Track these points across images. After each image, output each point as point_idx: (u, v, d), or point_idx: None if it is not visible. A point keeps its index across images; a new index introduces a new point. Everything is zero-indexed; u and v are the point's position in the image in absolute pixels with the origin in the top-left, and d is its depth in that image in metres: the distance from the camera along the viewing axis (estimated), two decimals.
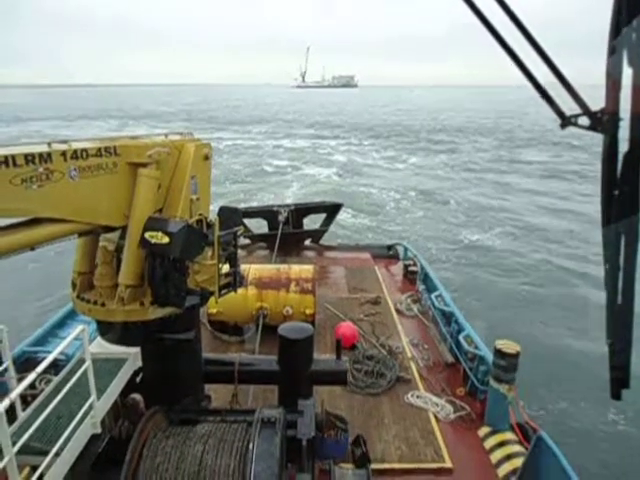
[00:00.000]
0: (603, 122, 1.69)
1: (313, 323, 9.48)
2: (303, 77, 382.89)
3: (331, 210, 15.87)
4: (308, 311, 9.38)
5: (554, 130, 62.19)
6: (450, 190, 34.58)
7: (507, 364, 6.82)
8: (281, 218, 14.67)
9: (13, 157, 3.42)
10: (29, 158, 3.53)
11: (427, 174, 41.26)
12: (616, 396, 2.31)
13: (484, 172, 41.80)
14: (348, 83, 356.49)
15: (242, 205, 16.48)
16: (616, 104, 1.68)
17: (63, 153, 3.79)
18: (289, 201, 24.03)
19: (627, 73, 1.57)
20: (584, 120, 1.74)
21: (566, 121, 1.76)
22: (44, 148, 3.70)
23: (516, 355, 6.79)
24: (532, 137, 65.94)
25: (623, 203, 1.81)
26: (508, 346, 6.87)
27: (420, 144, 60.22)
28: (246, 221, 14.71)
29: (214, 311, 9.23)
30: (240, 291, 9.08)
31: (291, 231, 14.83)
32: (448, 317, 9.66)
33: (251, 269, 9.84)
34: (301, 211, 15.53)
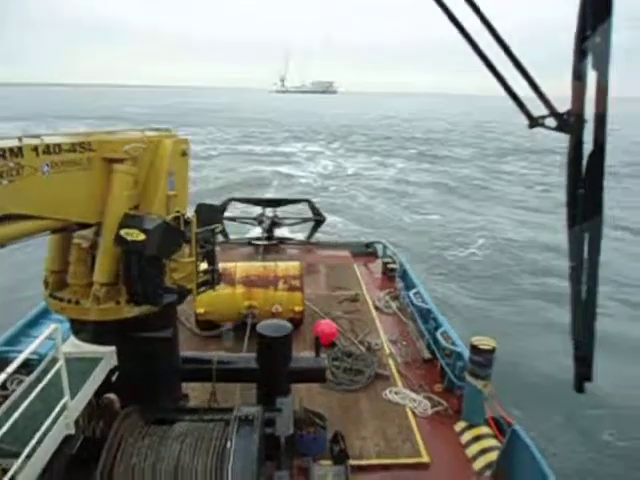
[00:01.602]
0: (569, 123, 1.74)
1: (302, 320, 9.50)
2: (283, 82, 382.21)
3: (315, 220, 16.00)
4: (297, 308, 9.37)
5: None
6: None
7: (483, 360, 6.93)
8: (264, 226, 14.77)
9: None
10: None
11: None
12: (580, 389, 2.38)
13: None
14: (327, 89, 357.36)
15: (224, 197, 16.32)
16: (581, 106, 1.73)
17: (35, 148, 3.69)
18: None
19: (591, 76, 1.62)
20: (551, 121, 1.79)
21: (534, 122, 1.80)
22: (15, 142, 3.60)
23: (491, 351, 6.91)
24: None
25: (588, 203, 1.87)
26: (484, 342, 6.99)
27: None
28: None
29: (202, 311, 9.11)
30: (228, 290, 9.11)
31: (273, 242, 15.11)
32: (426, 314, 9.76)
33: (238, 267, 9.76)
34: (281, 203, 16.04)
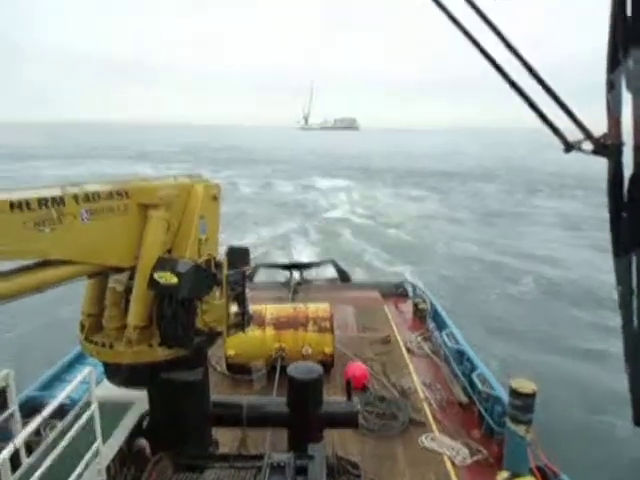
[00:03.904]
0: (607, 146, 1.71)
1: (332, 362, 9.34)
2: (306, 119, 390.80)
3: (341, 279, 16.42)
4: (327, 350, 9.23)
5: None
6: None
7: (523, 404, 6.60)
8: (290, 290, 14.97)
9: (27, 201, 3.50)
10: (42, 202, 3.60)
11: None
12: (638, 422, 2.21)
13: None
14: (350, 125, 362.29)
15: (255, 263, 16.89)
16: (618, 128, 1.70)
17: (75, 196, 3.86)
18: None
19: (627, 97, 1.61)
20: (587, 145, 1.77)
21: (570, 147, 1.78)
22: (57, 192, 3.78)
23: (532, 395, 6.59)
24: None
25: (632, 225, 1.81)
26: (523, 385, 6.68)
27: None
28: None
29: (232, 353, 9.09)
30: (258, 332, 9.10)
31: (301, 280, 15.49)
32: (460, 356, 9.46)
33: (267, 309, 9.77)
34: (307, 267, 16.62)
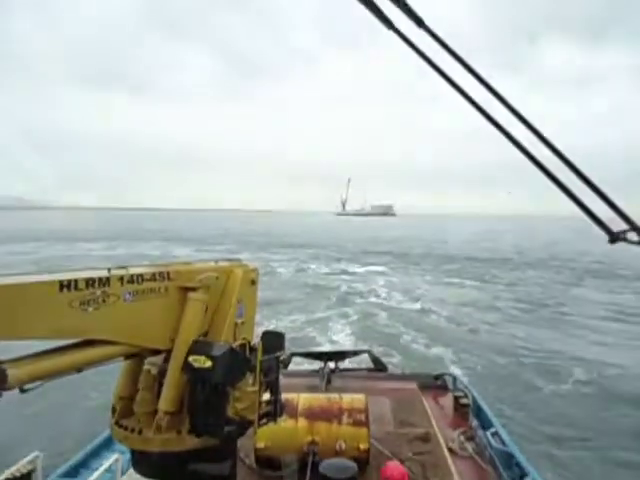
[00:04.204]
0: None
1: (367, 460, 8.66)
2: (344, 205, 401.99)
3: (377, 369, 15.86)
4: (362, 446, 8.53)
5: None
6: None
7: None
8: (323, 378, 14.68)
9: (76, 281, 3.66)
10: (90, 282, 3.76)
11: None
12: None
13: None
14: (386, 212, 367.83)
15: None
16: None
17: (121, 278, 4.02)
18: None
19: None
20: (633, 236, 1.72)
21: (614, 237, 1.74)
22: (104, 273, 3.95)
23: None
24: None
25: None
26: None
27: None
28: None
29: (262, 445, 8.58)
30: (290, 422, 8.67)
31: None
32: (507, 459, 8.65)
33: (300, 398, 9.38)
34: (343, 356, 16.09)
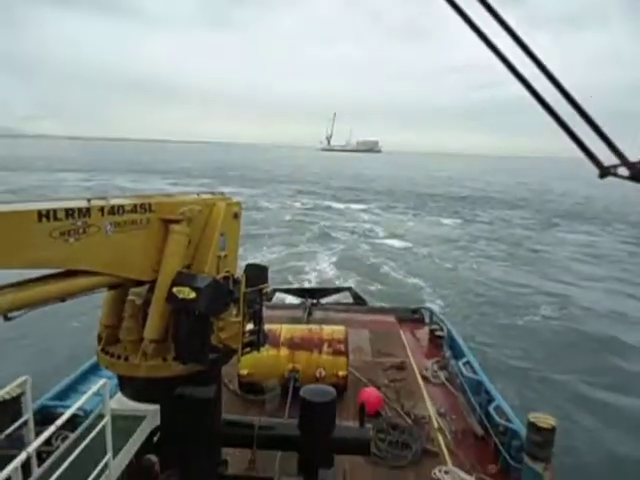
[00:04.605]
0: None
1: (345, 386, 9.21)
2: (329, 141, 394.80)
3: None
4: (341, 373, 9.15)
5: None
6: None
7: (542, 440, 6.37)
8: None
9: (55, 211, 3.59)
10: (69, 212, 3.69)
11: None
12: None
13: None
14: (372, 148, 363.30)
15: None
16: None
17: (101, 208, 3.95)
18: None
19: None
20: (623, 170, 1.73)
21: (605, 171, 1.74)
22: (84, 203, 3.87)
23: (552, 430, 6.36)
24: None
25: None
26: (542, 420, 6.46)
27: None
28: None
29: (245, 372, 9.06)
30: (272, 352, 9.05)
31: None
32: (477, 386, 9.22)
33: (283, 329, 9.74)
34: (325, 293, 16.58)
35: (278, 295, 16.32)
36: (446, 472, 7.32)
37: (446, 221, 51.16)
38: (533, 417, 6.52)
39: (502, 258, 34.37)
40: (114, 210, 4.06)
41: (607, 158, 1.74)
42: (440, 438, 8.28)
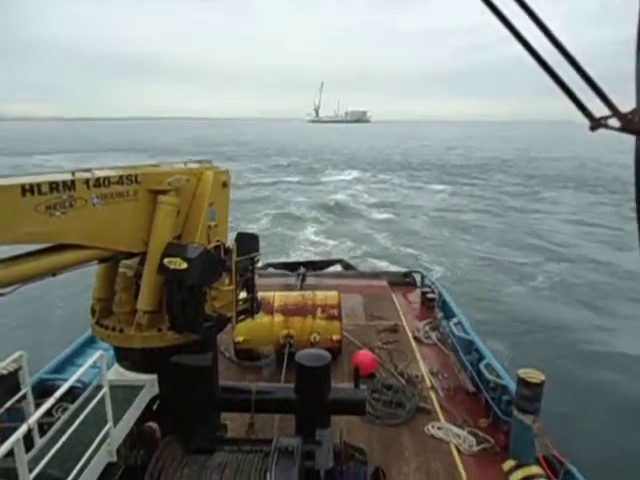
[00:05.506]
0: (634, 123, 1.64)
1: (340, 350, 9.40)
2: (317, 112, 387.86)
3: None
4: (335, 337, 9.32)
5: None
6: None
7: (531, 394, 6.59)
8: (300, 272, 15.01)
9: (38, 185, 3.52)
10: (53, 186, 3.62)
11: None
12: None
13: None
14: (361, 118, 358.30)
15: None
16: None
17: (86, 181, 3.88)
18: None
19: None
20: (614, 122, 1.70)
21: (596, 123, 1.72)
22: (68, 176, 3.80)
23: (540, 384, 6.57)
24: None
25: None
26: (532, 375, 6.66)
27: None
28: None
29: (240, 339, 9.18)
30: (266, 318, 9.16)
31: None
32: (468, 345, 9.44)
33: (276, 296, 9.83)
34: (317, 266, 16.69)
35: (271, 270, 16.32)
36: (439, 427, 7.59)
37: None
38: (523, 373, 6.72)
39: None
40: (99, 182, 3.99)
41: (599, 111, 1.71)
42: (433, 396, 8.53)
